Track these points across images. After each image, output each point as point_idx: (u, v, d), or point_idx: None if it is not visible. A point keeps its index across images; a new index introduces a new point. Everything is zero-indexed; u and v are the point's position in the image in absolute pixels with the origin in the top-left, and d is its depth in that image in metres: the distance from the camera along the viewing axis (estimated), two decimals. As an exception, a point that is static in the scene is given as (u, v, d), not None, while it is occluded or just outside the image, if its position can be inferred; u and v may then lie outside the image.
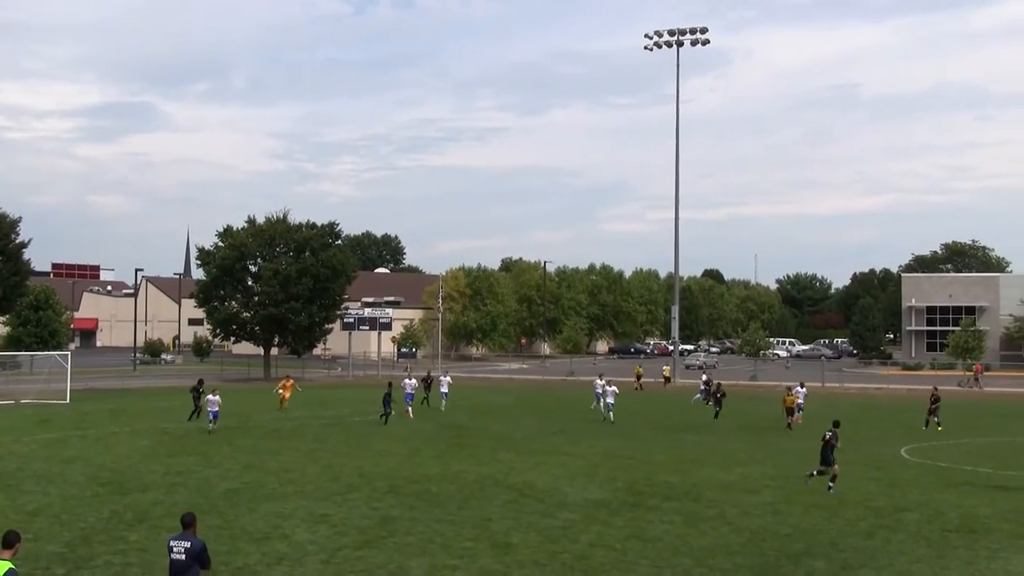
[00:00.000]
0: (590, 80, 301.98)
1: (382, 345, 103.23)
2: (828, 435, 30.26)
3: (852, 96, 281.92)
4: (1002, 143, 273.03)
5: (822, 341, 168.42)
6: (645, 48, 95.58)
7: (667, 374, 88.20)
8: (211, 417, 45.41)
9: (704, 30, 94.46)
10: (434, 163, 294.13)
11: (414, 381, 56.40)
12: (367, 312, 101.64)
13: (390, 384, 52.46)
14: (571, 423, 51.72)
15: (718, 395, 56.00)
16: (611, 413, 52.19)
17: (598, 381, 57.55)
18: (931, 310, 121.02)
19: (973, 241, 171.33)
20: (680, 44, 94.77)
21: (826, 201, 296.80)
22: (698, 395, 67.01)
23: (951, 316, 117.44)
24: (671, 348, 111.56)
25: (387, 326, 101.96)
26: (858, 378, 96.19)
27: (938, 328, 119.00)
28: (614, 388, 53.63)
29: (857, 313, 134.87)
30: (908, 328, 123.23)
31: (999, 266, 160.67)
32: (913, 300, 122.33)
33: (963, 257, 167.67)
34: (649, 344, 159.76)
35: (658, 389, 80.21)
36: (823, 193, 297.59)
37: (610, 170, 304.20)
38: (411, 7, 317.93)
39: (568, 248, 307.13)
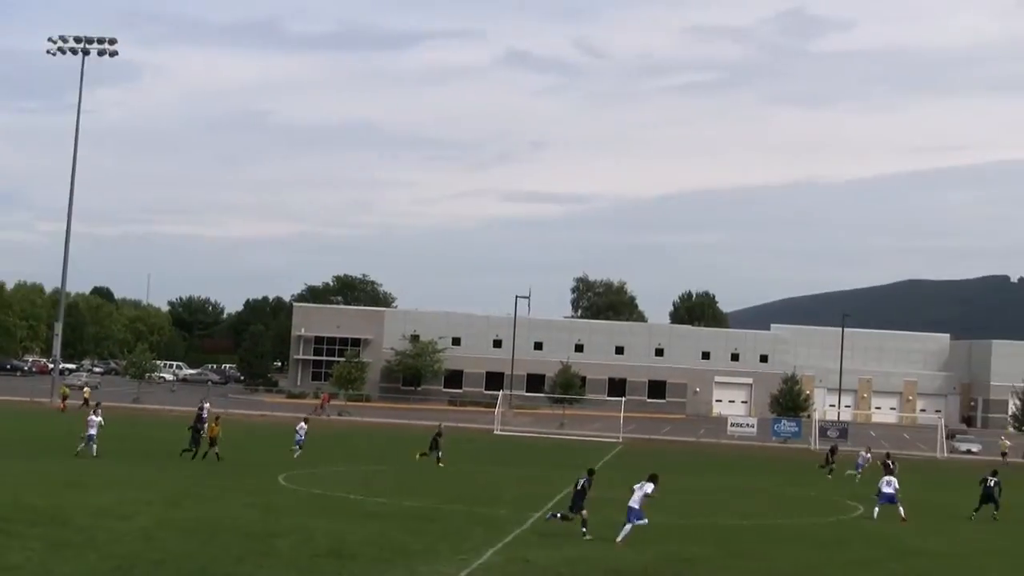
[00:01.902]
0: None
1: None
2: (582, 482, 29.33)
3: (264, 123, 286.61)
4: (402, 184, 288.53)
5: (210, 366, 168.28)
6: (48, 52, 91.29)
7: (63, 398, 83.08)
8: None
9: (113, 40, 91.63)
10: None
11: None
12: None
13: None
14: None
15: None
16: None
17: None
18: (319, 340, 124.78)
19: (364, 275, 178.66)
20: (86, 52, 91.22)
21: (230, 225, 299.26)
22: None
23: (338, 347, 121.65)
24: (51, 366, 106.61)
25: None
26: (243, 404, 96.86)
27: (324, 358, 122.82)
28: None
29: (247, 339, 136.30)
30: (296, 356, 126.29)
31: (386, 301, 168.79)
32: (303, 329, 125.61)
33: (354, 290, 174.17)
34: (28, 361, 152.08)
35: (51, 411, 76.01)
36: (228, 217, 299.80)
37: (2, 177, 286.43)
38: None
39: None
